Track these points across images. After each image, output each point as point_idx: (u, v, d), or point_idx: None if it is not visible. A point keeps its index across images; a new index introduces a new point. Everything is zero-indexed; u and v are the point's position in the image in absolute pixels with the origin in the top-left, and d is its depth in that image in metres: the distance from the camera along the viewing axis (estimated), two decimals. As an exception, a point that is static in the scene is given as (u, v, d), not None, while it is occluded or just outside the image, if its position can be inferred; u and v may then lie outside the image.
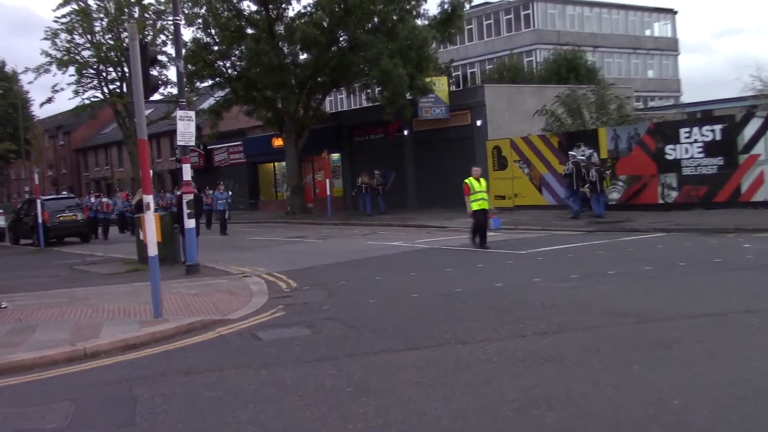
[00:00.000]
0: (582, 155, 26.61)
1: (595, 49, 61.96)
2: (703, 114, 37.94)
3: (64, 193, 48.42)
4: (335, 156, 41.81)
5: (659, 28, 69.35)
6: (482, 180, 18.55)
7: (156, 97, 38.86)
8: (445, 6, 34.55)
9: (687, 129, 24.66)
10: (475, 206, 18.01)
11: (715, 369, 6.90)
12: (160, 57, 38.47)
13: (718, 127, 23.84)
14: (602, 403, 6.07)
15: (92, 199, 33.82)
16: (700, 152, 24.04)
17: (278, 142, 40.75)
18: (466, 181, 18.34)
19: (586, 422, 5.67)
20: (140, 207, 21.54)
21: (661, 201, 25.06)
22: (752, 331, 8.31)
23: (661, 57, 68.80)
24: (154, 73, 35.86)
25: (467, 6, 35.99)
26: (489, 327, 9.27)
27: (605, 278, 12.69)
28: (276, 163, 46.68)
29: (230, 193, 33.27)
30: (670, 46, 69.46)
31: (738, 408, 5.74)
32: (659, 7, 69.28)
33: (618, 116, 31.10)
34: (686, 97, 64.52)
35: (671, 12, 70.05)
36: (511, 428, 5.68)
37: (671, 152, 24.80)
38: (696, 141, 24.10)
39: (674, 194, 24.82)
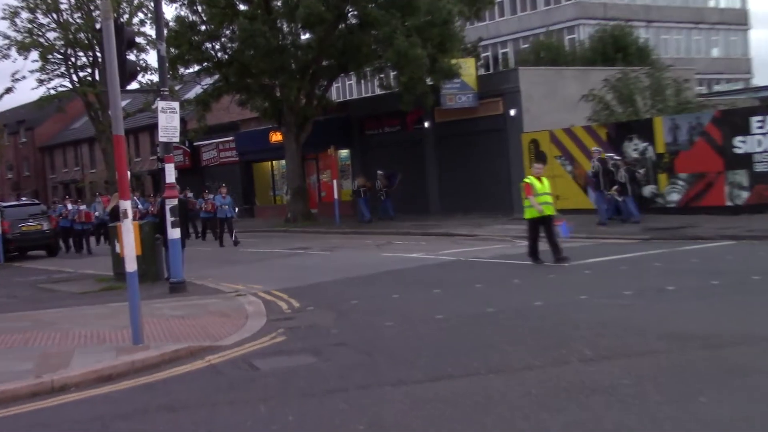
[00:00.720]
0: (634, 148, 26.55)
1: (649, 24, 61.79)
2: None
3: (24, 199, 48.57)
4: (344, 153, 41.86)
5: (725, -1, 69.19)
6: (545, 179, 17.62)
7: (134, 86, 39.35)
8: (473, -25, 34.62)
9: (760, 117, 24.54)
10: (533, 212, 17.18)
11: (795, 401, 6.88)
12: (138, 39, 38.67)
13: None
14: (662, 443, 6.07)
15: (68, 206, 33.50)
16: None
17: (277, 138, 40.86)
18: (527, 180, 17.60)
19: (643, 465, 5.67)
20: (116, 214, 21.69)
21: (729, 203, 24.91)
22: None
23: (728, 32, 68.52)
24: (132, 57, 36.42)
25: (498, -25, 36.07)
26: (527, 353, 9.26)
27: (664, 295, 12.64)
28: (274, 162, 46.80)
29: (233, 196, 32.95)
30: (738, 20, 69.18)
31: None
32: (725, -27, 69.16)
33: (677, 103, 31.01)
34: (758, 80, 64.28)
35: (740, -22, 69.89)
36: (555, 472, 5.68)
37: (741, 145, 24.66)
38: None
39: (745, 195, 24.67)
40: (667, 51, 59.60)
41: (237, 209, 31.30)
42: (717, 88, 59.60)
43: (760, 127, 24.25)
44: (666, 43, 62.67)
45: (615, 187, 25.26)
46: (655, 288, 13.22)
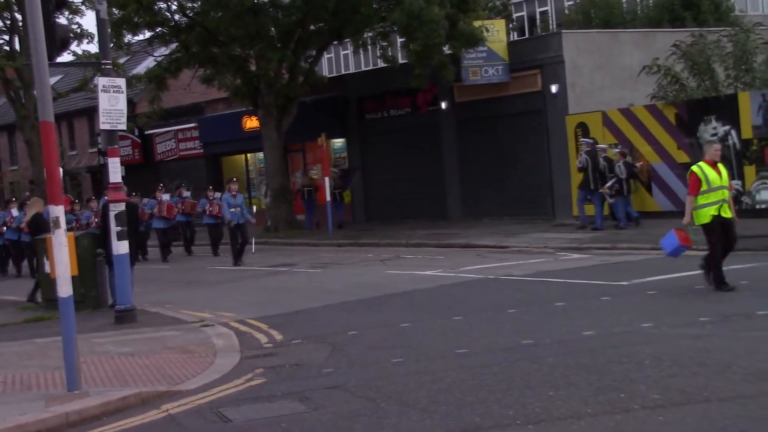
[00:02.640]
0: (713, 133, 26.78)
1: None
2: None
3: None
4: (338, 143, 41.87)
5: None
6: (722, 167, 15.59)
7: (67, 57, 39.44)
8: None
9: None
10: (709, 213, 15.18)
11: None
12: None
13: None
14: None
15: (13, 212, 32.58)
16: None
17: (252, 124, 40.86)
18: (695, 168, 15.49)
19: None
20: (36, 226, 21.53)
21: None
22: None
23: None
24: (63, 21, 36.45)
25: None
26: (575, 397, 9.27)
27: (753, 322, 12.65)
28: (249, 155, 46.79)
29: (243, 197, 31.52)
30: None
31: None
32: None
33: (768, 74, 31.03)
34: None
35: None
36: None
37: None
38: None
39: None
40: (755, 7, 59.58)
41: (255, 210, 30.06)
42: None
43: None
44: (754, -2, 62.73)
45: (608, 185, 26.76)
46: (742, 313, 13.24)
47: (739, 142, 26.89)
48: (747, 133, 26.81)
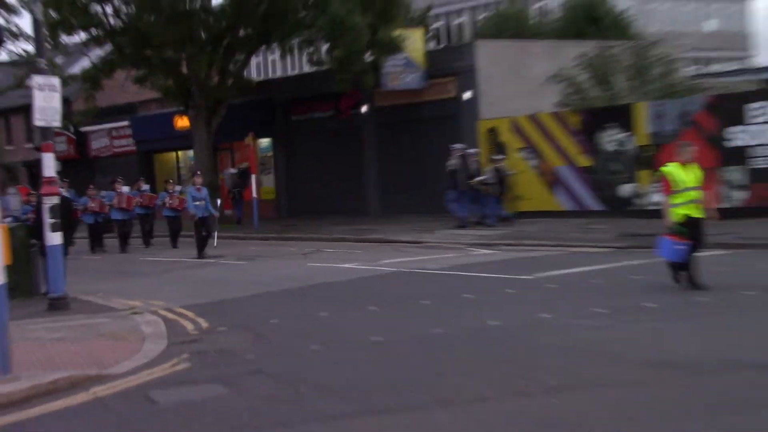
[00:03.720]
0: (611, 139, 27.29)
1: (632, -10, 62.72)
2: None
3: None
4: (264, 142, 41.69)
5: (721, -38, 70.52)
6: (694, 167, 14.85)
7: (2, 57, 38.81)
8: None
9: (758, 105, 25.05)
10: (681, 212, 14.54)
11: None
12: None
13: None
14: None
15: None
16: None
17: (183, 123, 40.54)
18: (664, 169, 15.00)
19: None
20: None
21: (723, 205, 25.37)
22: None
23: (725, 2, 69.77)
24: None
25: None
26: (480, 382, 9.36)
27: (644, 314, 12.85)
28: (180, 153, 46.45)
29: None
30: (736, -13, 70.54)
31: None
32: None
33: (663, 85, 31.51)
34: (761, 59, 65.50)
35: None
36: None
37: (737, 137, 25.14)
38: (771, 120, 24.53)
39: (741, 196, 25.16)
40: (652, 23, 60.48)
41: (219, 202, 28.70)
42: (713, 68, 60.66)
43: (759, 116, 24.76)
44: (651, 14, 63.56)
45: (479, 178, 28.26)
46: (633, 306, 13.44)
47: (635, 148, 27.35)
48: (642, 139, 27.26)
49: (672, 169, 14.65)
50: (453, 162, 29.00)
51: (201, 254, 25.85)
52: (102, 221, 31.70)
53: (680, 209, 14.40)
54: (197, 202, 26.32)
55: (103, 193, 31.89)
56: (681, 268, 14.50)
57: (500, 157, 29.89)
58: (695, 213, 14.47)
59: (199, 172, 28.92)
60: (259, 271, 21.58)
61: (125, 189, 31.83)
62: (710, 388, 8.71)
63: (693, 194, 14.44)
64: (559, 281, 16.56)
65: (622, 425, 7.66)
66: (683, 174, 14.47)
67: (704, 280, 14.27)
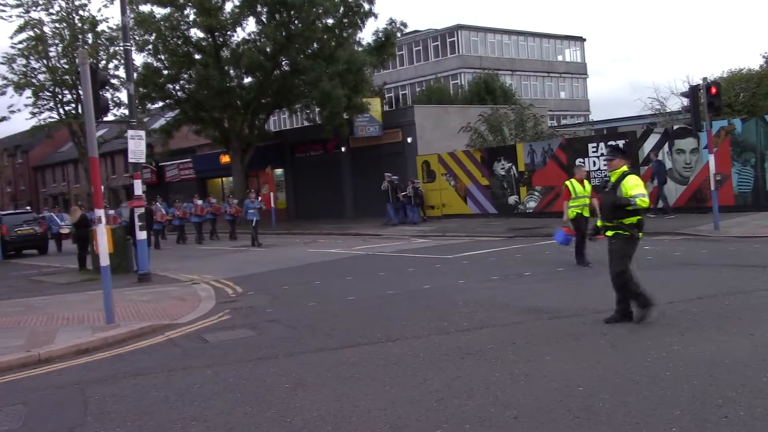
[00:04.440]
0: (502, 167, 27.35)
1: (513, 72, 63.02)
2: (608, 130, 38.86)
3: (28, 208, 46.96)
4: (279, 171, 41.49)
5: (570, 54, 70.88)
6: (586, 183, 14.40)
7: (109, 117, 38.39)
8: (380, 35, 34.89)
9: (594, 144, 25.25)
10: (575, 211, 14.06)
11: (616, 358, 7.07)
12: (113, 80, 37.68)
13: (621, 142, 24.39)
14: (517, 392, 6.17)
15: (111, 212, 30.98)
16: (605, 165, 24.56)
17: (225, 159, 40.25)
18: (567, 183, 14.41)
19: (502, 409, 5.75)
20: (80, 225, 21.06)
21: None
22: (649, 323, 8.49)
23: (572, 80, 70.28)
24: (108, 95, 35.50)
25: (399, 34, 36.38)
26: (417, 325, 9.32)
27: (522, 279, 12.88)
28: (224, 178, 46.05)
29: (261, 200, 27.69)
30: (579, 70, 70.99)
31: (635, 392, 5.90)
32: (570, 35, 70.86)
33: (534, 133, 31.66)
34: (594, 116, 66.04)
35: (580, 39, 71.69)
36: (435, 416, 5.71)
37: (581, 163, 25.30)
38: (602, 154, 24.65)
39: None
40: (527, 93, 60.92)
41: (259, 209, 26.36)
42: (564, 122, 61.10)
43: (595, 151, 24.96)
44: (527, 87, 63.91)
45: (403, 193, 29.10)
46: (516, 274, 13.48)
47: (517, 173, 27.46)
48: (522, 167, 27.35)
49: (572, 182, 14.21)
50: (384, 184, 29.59)
51: (254, 244, 24.85)
52: (184, 224, 30.56)
53: (575, 209, 14.00)
54: (252, 210, 25.42)
55: (184, 204, 31.13)
56: (578, 253, 13.95)
57: (417, 180, 30.28)
58: (585, 213, 14.03)
59: (253, 189, 27.98)
60: (275, 255, 21.45)
61: (199, 202, 30.90)
62: (562, 326, 8.74)
63: (585, 200, 14.08)
64: (469, 259, 16.58)
65: (508, 349, 7.67)
66: (579, 186, 14.11)
67: (588, 259, 13.79)
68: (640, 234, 8.73)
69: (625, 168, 8.82)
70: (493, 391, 6.22)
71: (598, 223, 9.12)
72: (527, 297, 10.91)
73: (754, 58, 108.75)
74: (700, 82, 18.65)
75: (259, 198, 27.10)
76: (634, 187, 8.48)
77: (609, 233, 8.78)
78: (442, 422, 5.55)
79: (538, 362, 7.07)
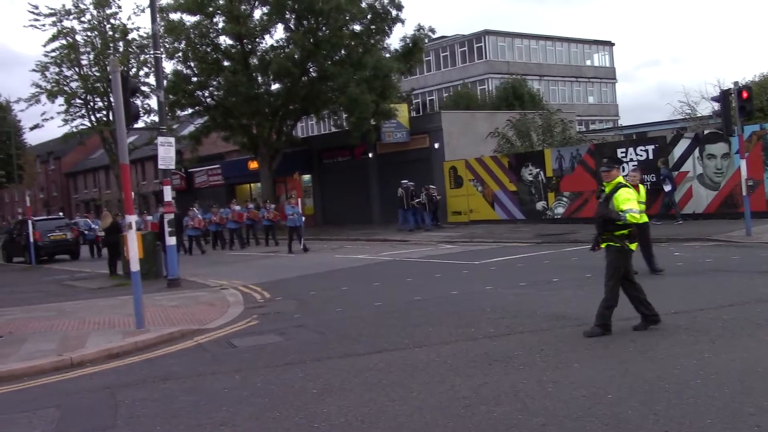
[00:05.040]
0: (530, 173, 27.30)
1: (541, 78, 62.74)
2: (638, 136, 38.49)
3: (61, 214, 47.67)
4: (306, 177, 41.68)
5: (599, 59, 70.41)
6: (642, 188, 13.26)
7: (140, 124, 38.87)
8: (407, 41, 34.91)
9: (623, 149, 25.04)
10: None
11: (645, 365, 7.00)
12: (143, 87, 38.15)
13: (650, 147, 24.24)
14: (544, 399, 6.13)
15: (148, 217, 30.42)
16: (635, 170, 24.32)
17: (253, 165, 40.47)
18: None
19: (529, 416, 5.72)
20: (111, 230, 21.17)
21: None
22: (679, 330, 8.43)
23: (601, 84, 69.80)
24: (138, 102, 35.92)
25: (426, 40, 36.39)
26: (444, 331, 9.31)
27: (550, 285, 12.79)
28: (252, 184, 46.33)
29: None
30: (608, 75, 70.50)
31: (664, 400, 5.83)
32: (598, 39, 70.41)
33: (562, 138, 31.50)
34: (623, 121, 65.56)
35: (609, 44, 71.18)
36: (462, 423, 5.70)
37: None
38: (632, 160, 24.45)
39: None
40: (555, 98, 60.56)
41: (303, 218, 26.05)
42: (593, 127, 60.63)
43: (624, 156, 24.74)
44: (554, 93, 63.58)
45: (416, 200, 29.37)
46: (544, 280, 13.38)
47: (545, 178, 27.32)
48: (549, 172, 27.20)
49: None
50: (400, 191, 30.00)
51: (290, 250, 24.35)
52: (221, 230, 30.02)
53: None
54: (291, 215, 24.95)
55: (221, 209, 30.77)
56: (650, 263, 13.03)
57: (432, 187, 30.25)
58: (643, 219, 12.59)
59: (293, 194, 27.03)
60: (303, 261, 21.53)
61: (237, 208, 30.32)
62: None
63: (639, 207, 12.82)
64: (496, 265, 16.51)
65: (536, 356, 7.63)
66: (634, 192, 12.93)
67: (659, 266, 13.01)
68: (633, 246, 8.58)
69: (619, 179, 8.67)
70: (520, 397, 6.19)
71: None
72: (555, 303, 10.84)
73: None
74: (731, 86, 18.45)
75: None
76: (626, 201, 8.32)
77: (603, 245, 8.64)
78: (470, 429, 5.54)
79: (567, 369, 7.03)
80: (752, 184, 19.11)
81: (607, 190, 8.63)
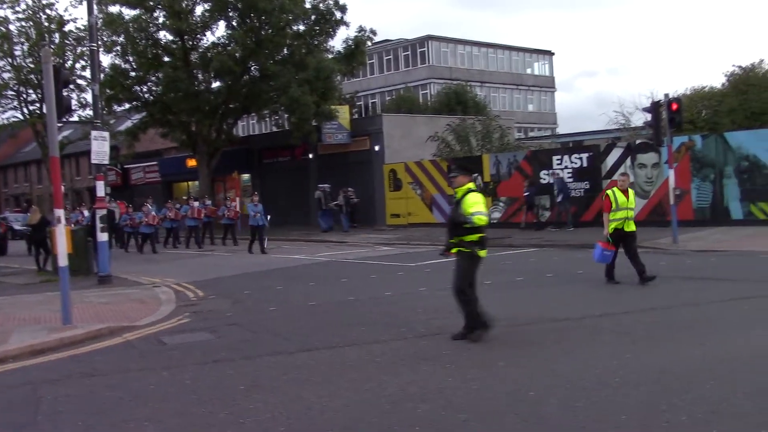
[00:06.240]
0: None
1: (483, 84, 63.56)
2: (574, 144, 39.38)
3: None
4: (246, 176, 41.38)
5: (539, 67, 71.70)
6: (631, 192, 12.76)
7: (75, 118, 37.97)
8: (350, 43, 34.95)
9: (558, 156, 25.60)
10: (613, 226, 12.42)
11: (568, 365, 7.20)
12: (79, 81, 37.20)
13: (585, 156, 24.86)
14: (469, 396, 6.25)
15: (84, 213, 29.39)
16: (569, 177, 24.96)
17: (192, 163, 39.94)
18: (609, 193, 12.61)
19: (453, 412, 5.83)
20: (39, 226, 20.67)
21: (536, 220, 25.81)
22: (603, 332, 8.70)
23: (540, 93, 71.08)
24: (73, 96, 35.11)
25: (369, 43, 36.52)
26: (376, 331, 9.39)
27: (482, 288, 12.74)
28: (190, 182, 45.70)
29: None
30: (547, 84, 71.84)
31: (584, 397, 6.02)
32: (538, 48, 71.71)
33: (500, 144, 31.98)
34: (561, 129, 66.88)
35: (549, 53, 72.56)
36: (387, 418, 5.77)
37: (545, 177, 25.64)
38: (566, 167, 25.02)
39: (547, 214, 25.64)
40: (496, 105, 61.45)
41: (269, 217, 24.91)
42: (532, 134, 61.76)
43: (559, 164, 25.30)
44: (495, 99, 64.47)
45: (334, 203, 30.74)
46: (476, 282, 13.56)
47: (482, 183, 27.68)
48: (487, 177, 27.62)
49: (615, 192, 12.52)
50: (317, 193, 31.28)
51: (251, 250, 23.33)
52: (177, 227, 28.80)
53: (615, 224, 12.39)
54: (255, 214, 23.66)
55: (178, 205, 29.46)
56: (610, 268, 12.58)
57: (350, 189, 31.43)
58: (628, 227, 12.47)
59: (256, 193, 25.85)
60: (239, 260, 21.39)
61: (196, 204, 28.67)
62: (517, 333, 8.89)
63: (626, 213, 12.43)
64: (432, 267, 16.64)
65: (463, 355, 7.76)
66: (622, 197, 12.43)
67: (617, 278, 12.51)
68: (482, 252, 8.70)
69: (469, 185, 8.76)
70: (446, 395, 6.30)
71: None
72: (485, 305, 10.95)
73: (717, 77, 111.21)
74: (662, 98, 19.05)
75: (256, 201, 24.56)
76: (474, 205, 8.44)
77: (454, 250, 8.76)
78: (394, 424, 5.62)
79: (492, 368, 7.17)
80: (679, 193, 19.78)
81: (458, 195, 8.70)
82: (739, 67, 32.83)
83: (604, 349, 7.81)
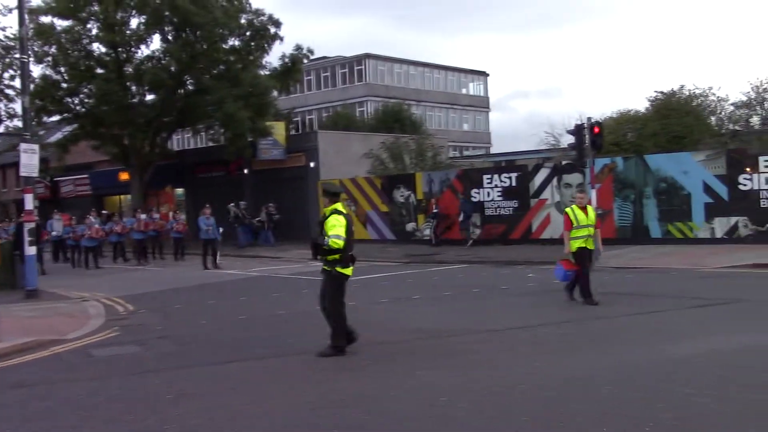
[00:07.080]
0: (401, 195, 28.31)
1: (419, 103, 64.55)
2: (507, 163, 40.39)
3: None
4: (179, 190, 41.10)
5: (473, 88, 73.18)
6: (590, 209, 12.60)
7: (1, 129, 37.15)
8: (286, 60, 35.26)
9: (489, 175, 26.35)
10: (576, 244, 12.24)
11: (483, 373, 7.67)
12: (8, 91, 36.39)
13: (514, 175, 25.67)
14: (387, 402, 6.65)
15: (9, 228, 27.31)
16: (499, 196, 25.75)
17: (124, 176, 39.47)
18: (568, 210, 12.53)
19: (372, 416, 6.22)
20: None
21: (467, 237, 26.47)
22: (521, 343, 9.23)
23: (475, 112, 72.51)
24: (1, 105, 34.41)
25: (305, 60, 36.91)
26: (305, 342, 9.71)
27: (410, 302, 13.46)
28: (122, 196, 45.12)
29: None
30: (482, 104, 73.36)
31: (491, 402, 6.49)
32: (473, 69, 73.24)
33: (433, 163, 32.65)
34: (495, 149, 68.30)
35: (484, 74, 74.17)
36: (307, 424, 6.13)
37: (476, 195, 26.37)
38: (496, 186, 25.80)
39: (478, 231, 26.32)
40: (431, 124, 62.39)
41: (221, 230, 24.31)
42: (466, 153, 62.91)
43: (489, 183, 26.05)
44: (431, 118, 65.45)
45: (256, 219, 31.56)
46: (405, 297, 14.05)
47: (416, 200, 28.26)
48: (420, 195, 28.18)
49: (574, 210, 12.39)
50: (231, 213, 31.87)
51: (206, 266, 22.59)
52: (123, 241, 27.88)
53: (577, 242, 12.23)
54: (207, 228, 23.03)
55: (124, 219, 28.97)
56: (571, 288, 12.44)
57: (271, 205, 32.33)
58: (589, 245, 12.31)
59: (208, 205, 24.67)
60: (171, 275, 21.38)
61: (143, 216, 27.80)
62: (440, 344, 9.33)
63: (588, 230, 12.29)
64: (363, 282, 16.85)
65: (386, 365, 8.15)
66: (582, 214, 12.28)
67: (597, 299, 12.16)
68: (346, 270, 9.08)
69: (336, 206, 9.09)
70: (365, 401, 6.69)
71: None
72: (413, 318, 11.48)
73: (641, 101, 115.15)
74: (585, 121, 19.95)
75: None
76: (332, 228, 8.76)
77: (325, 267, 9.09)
78: (314, 429, 5.98)
79: (411, 377, 7.59)
80: (602, 213, 20.65)
81: (327, 214, 9.05)
82: (661, 92, 34.27)
83: (520, 359, 8.31)
